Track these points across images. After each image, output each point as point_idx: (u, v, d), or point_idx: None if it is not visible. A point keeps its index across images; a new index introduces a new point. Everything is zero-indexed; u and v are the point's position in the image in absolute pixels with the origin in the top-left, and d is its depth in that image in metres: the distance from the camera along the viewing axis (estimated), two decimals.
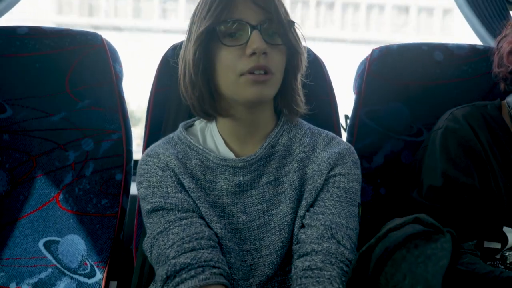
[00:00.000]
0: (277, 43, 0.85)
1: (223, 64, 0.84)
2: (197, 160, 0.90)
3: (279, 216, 0.89)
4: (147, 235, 0.85)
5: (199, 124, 0.97)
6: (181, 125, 0.98)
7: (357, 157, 0.95)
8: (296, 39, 0.88)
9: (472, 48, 1.27)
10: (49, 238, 1.13)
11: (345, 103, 1.34)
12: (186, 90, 0.91)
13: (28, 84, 1.18)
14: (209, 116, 0.92)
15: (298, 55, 0.90)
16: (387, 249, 0.77)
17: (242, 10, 0.83)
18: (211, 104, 0.89)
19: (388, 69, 1.24)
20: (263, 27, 0.83)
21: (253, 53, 0.81)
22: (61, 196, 1.16)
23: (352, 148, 0.96)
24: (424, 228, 0.78)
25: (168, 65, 1.16)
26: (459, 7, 1.50)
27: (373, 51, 1.25)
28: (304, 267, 0.81)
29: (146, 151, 0.94)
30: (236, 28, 0.83)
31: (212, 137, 0.93)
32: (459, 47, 1.26)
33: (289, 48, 0.88)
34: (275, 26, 0.84)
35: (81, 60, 1.17)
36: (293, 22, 0.87)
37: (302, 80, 0.94)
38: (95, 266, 1.12)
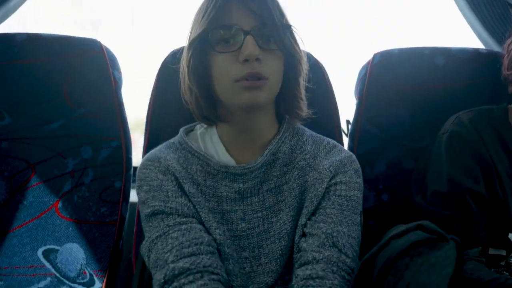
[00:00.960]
0: (271, 48, 0.84)
1: (218, 70, 0.84)
2: (198, 166, 0.90)
3: (278, 224, 0.88)
4: (146, 238, 0.85)
5: (199, 129, 0.96)
6: (181, 130, 0.97)
7: (358, 165, 0.94)
8: (293, 43, 0.86)
9: (475, 51, 1.26)
10: (48, 246, 1.12)
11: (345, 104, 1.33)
12: (185, 96, 0.91)
13: (26, 91, 1.17)
14: (209, 121, 0.92)
15: (296, 59, 0.88)
16: (390, 257, 0.76)
17: (236, 15, 0.82)
18: (209, 110, 0.89)
19: (389, 74, 1.23)
20: (256, 32, 0.81)
21: (246, 60, 0.80)
22: (60, 204, 1.15)
23: (354, 156, 0.95)
24: (427, 235, 0.77)
25: (168, 71, 1.15)
26: (461, 10, 1.49)
27: (375, 55, 1.24)
28: (305, 276, 0.79)
29: (147, 155, 0.93)
30: (230, 34, 0.82)
31: (212, 143, 0.93)
32: (462, 51, 1.25)
33: (286, 53, 0.86)
34: (269, 31, 0.83)
35: (79, 66, 1.17)
36: (289, 26, 0.86)
37: (304, 84, 0.93)
38: (94, 275, 1.11)
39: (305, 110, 0.93)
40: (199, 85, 0.87)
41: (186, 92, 0.90)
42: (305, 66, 0.92)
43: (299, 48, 0.88)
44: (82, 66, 1.17)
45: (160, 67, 1.17)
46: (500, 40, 1.38)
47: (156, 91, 1.16)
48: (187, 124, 1.00)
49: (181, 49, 1.14)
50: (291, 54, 0.87)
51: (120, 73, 1.21)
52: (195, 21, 0.88)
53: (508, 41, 1.12)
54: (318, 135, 0.99)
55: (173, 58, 1.16)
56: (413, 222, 0.83)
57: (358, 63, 1.30)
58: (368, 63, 1.25)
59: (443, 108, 1.21)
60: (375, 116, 1.24)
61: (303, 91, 0.92)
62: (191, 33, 0.88)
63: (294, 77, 0.90)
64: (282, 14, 0.85)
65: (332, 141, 0.97)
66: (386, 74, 1.23)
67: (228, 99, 0.85)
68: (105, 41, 1.22)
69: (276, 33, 0.83)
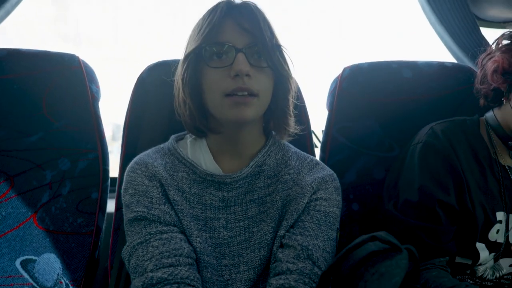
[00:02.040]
0: (261, 65, 0.87)
1: (209, 85, 0.87)
2: (184, 173, 0.93)
3: (259, 234, 0.91)
4: (127, 243, 0.87)
5: (189, 137, 1.00)
6: (172, 136, 1.01)
7: (339, 184, 0.98)
8: (282, 62, 0.90)
9: (441, 65, 1.30)
10: (26, 257, 1.14)
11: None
12: (179, 108, 0.95)
13: (6, 105, 1.19)
14: (200, 133, 0.96)
15: (285, 77, 0.92)
16: (348, 268, 0.79)
17: (229, 33, 0.86)
18: (201, 122, 0.92)
19: (359, 87, 1.27)
20: (248, 50, 0.86)
21: (237, 75, 0.84)
22: (38, 215, 1.17)
23: (335, 175, 0.99)
24: (383, 245, 0.80)
25: (144, 85, 1.18)
26: (432, 25, 1.53)
27: (344, 69, 1.28)
28: (278, 285, 0.83)
29: (135, 159, 0.96)
30: (222, 50, 0.86)
31: (201, 151, 0.96)
32: (428, 65, 1.29)
33: (275, 71, 0.90)
34: (260, 49, 0.87)
35: (57, 81, 1.19)
36: (279, 46, 0.90)
37: (293, 102, 0.96)
38: (70, 285, 1.13)
39: (292, 126, 0.97)
40: (192, 97, 0.90)
41: (180, 104, 0.94)
42: (294, 85, 0.96)
43: (288, 67, 0.92)
44: (61, 81, 1.20)
45: (136, 82, 1.20)
46: (469, 53, 1.42)
47: (133, 104, 1.19)
48: (163, 136, 1.03)
49: (158, 63, 1.19)
50: (280, 72, 0.90)
51: (98, 87, 1.24)
52: (190, 37, 0.92)
53: (483, 55, 1.16)
54: (302, 152, 1.03)
55: (150, 72, 1.19)
56: (381, 230, 0.87)
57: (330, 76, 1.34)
58: (338, 76, 1.29)
59: (412, 119, 1.26)
60: (345, 127, 1.28)
61: (291, 108, 0.96)
62: (186, 48, 0.92)
63: (283, 94, 0.94)
64: (273, 34, 0.89)
65: (315, 159, 1.02)
66: (355, 87, 1.27)
67: (218, 113, 0.88)
68: (85, 55, 1.25)
69: (266, 52, 0.87)
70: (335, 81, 1.29)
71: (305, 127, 1.22)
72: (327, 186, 0.95)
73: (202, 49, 0.87)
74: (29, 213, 1.17)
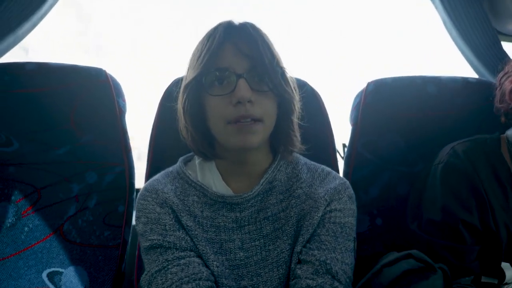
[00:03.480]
0: (263, 89, 0.86)
1: (212, 112, 0.87)
2: (195, 197, 0.92)
3: (276, 252, 0.91)
4: (145, 272, 0.87)
5: (198, 158, 0.99)
6: (180, 159, 1.00)
7: (352, 192, 0.97)
8: (283, 84, 0.88)
9: (465, 81, 1.30)
10: (52, 269, 1.15)
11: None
12: (182, 133, 0.95)
13: (34, 118, 1.21)
14: (207, 157, 0.95)
15: (288, 100, 0.91)
16: (382, 285, 0.80)
17: (229, 59, 0.85)
18: (206, 148, 0.92)
19: (383, 102, 1.27)
20: (249, 74, 0.84)
21: (239, 102, 0.83)
22: (65, 228, 1.18)
23: (348, 183, 0.97)
24: (417, 263, 0.80)
25: (171, 98, 1.19)
26: (453, 39, 1.53)
27: (368, 84, 1.29)
28: None
29: (145, 185, 0.95)
30: (223, 77, 0.85)
31: (210, 172, 0.95)
32: (452, 80, 1.29)
33: (277, 94, 0.89)
34: (261, 73, 0.86)
35: (85, 95, 1.21)
36: (281, 68, 0.89)
37: (298, 122, 0.95)
38: None
39: (298, 145, 0.96)
40: (194, 125, 0.90)
41: (182, 130, 0.94)
42: (297, 105, 0.94)
43: (290, 89, 0.91)
44: (88, 94, 1.21)
45: (163, 95, 1.21)
46: (491, 68, 1.43)
47: (159, 118, 1.21)
48: (189, 151, 1.03)
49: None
50: (282, 95, 0.89)
51: (124, 101, 1.26)
52: (190, 63, 0.91)
53: (501, 74, 1.16)
54: (312, 162, 1.02)
55: (176, 86, 1.20)
56: (407, 248, 0.87)
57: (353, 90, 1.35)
58: (362, 91, 1.29)
59: (436, 135, 1.26)
60: (369, 142, 1.28)
61: (296, 128, 0.95)
62: (186, 75, 0.91)
63: (287, 116, 0.93)
64: (273, 56, 0.87)
65: (327, 168, 1.00)
66: (379, 102, 1.27)
67: (223, 140, 0.88)
68: (107, 66, 1.26)
69: (267, 75, 0.86)
70: (359, 95, 1.30)
71: (329, 140, 1.23)
72: (340, 196, 0.93)
73: (203, 76, 0.86)
74: (56, 226, 1.18)
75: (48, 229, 1.18)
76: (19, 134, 1.21)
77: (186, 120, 0.90)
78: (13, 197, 1.19)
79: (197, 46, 0.90)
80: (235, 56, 0.85)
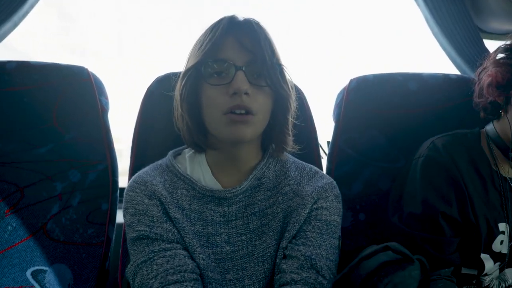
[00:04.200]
0: (260, 84, 0.87)
1: (208, 101, 0.88)
2: (184, 190, 0.93)
3: (262, 247, 0.92)
4: (131, 262, 0.88)
5: (187, 152, 1.00)
6: (170, 152, 1.01)
7: (338, 191, 0.98)
8: (281, 82, 0.89)
9: (445, 77, 1.32)
10: (36, 267, 1.15)
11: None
12: (178, 122, 0.95)
13: (16, 117, 1.21)
14: (198, 148, 0.96)
15: (285, 97, 0.92)
16: (360, 277, 0.81)
17: (230, 51, 0.87)
18: (199, 138, 0.93)
19: (365, 98, 1.29)
20: (247, 68, 0.86)
21: (235, 93, 0.84)
22: (48, 226, 1.18)
23: (334, 182, 0.99)
24: (395, 255, 0.82)
25: (153, 97, 1.20)
26: (435, 36, 1.55)
27: (351, 81, 1.30)
28: None
29: (134, 177, 0.96)
30: (222, 68, 0.86)
31: (200, 166, 0.96)
32: (433, 77, 1.31)
33: (274, 90, 0.90)
34: (260, 68, 0.87)
35: (67, 93, 1.21)
36: (280, 65, 0.90)
37: (292, 121, 0.96)
38: None
39: (290, 144, 0.97)
40: (190, 114, 0.91)
41: (178, 119, 0.95)
42: (293, 104, 0.95)
43: (287, 86, 0.92)
44: (70, 93, 1.21)
45: (145, 94, 1.21)
46: (472, 65, 1.44)
47: (142, 116, 1.21)
48: (172, 148, 1.04)
49: (166, 75, 1.20)
50: (279, 92, 0.90)
51: (106, 98, 1.25)
52: (191, 52, 0.92)
53: (479, 69, 1.17)
54: (301, 161, 1.04)
55: (158, 85, 1.21)
56: (389, 242, 0.88)
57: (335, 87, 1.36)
58: (344, 88, 1.31)
59: (417, 131, 1.28)
60: (351, 138, 1.29)
61: (290, 127, 0.96)
62: (187, 63, 0.93)
63: (282, 113, 0.94)
64: (273, 53, 0.88)
65: (314, 168, 1.02)
66: (362, 99, 1.29)
67: (216, 131, 0.89)
68: (91, 66, 1.26)
69: (266, 71, 0.87)
70: (342, 92, 1.31)
71: (312, 138, 1.24)
72: (327, 195, 0.95)
73: (202, 65, 0.87)
74: (39, 224, 1.18)
75: (32, 227, 1.18)
76: (1, 133, 1.21)
77: (183, 108, 0.91)
78: None
79: (200, 37, 0.92)
80: (236, 49, 0.87)
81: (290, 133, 0.97)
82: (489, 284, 1.10)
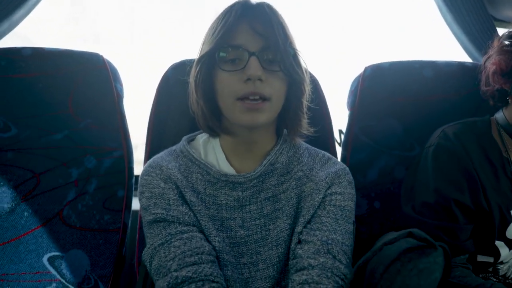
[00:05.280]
0: (274, 69, 0.87)
1: (222, 87, 0.88)
2: (198, 174, 0.94)
3: (276, 231, 0.92)
4: (148, 245, 0.88)
5: (201, 137, 1.00)
6: (184, 138, 1.01)
7: (351, 177, 0.99)
8: (295, 66, 0.89)
9: (460, 65, 1.31)
10: (53, 253, 1.16)
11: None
12: (193, 107, 0.96)
13: (32, 103, 1.21)
14: (213, 132, 0.96)
15: (298, 81, 0.92)
16: (382, 263, 0.81)
17: (243, 37, 0.86)
18: (214, 122, 0.93)
19: (380, 86, 1.28)
20: (261, 53, 0.86)
21: (249, 79, 0.84)
22: (64, 212, 1.18)
23: (347, 168, 0.99)
24: (418, 242, 0.82)
25: (168, 84, 1.20)
26: (448, 25, 1.54)
27: (366, 68, 1.30)
28: (301, 281, 0.84)
29: (149, 162, 0.96)
30: (236, 54, 0.86)
31: (214, 151, 0.97)
32: (448, 64, 1.31)
33: (288, 75, 0.90)
34: (273, 53, 0.87)
35: (83, 80, 1.21)
36: (293, 49, 0.89)
37: (306, 104, 0.96)
38: (99, 281, 1.14)
39: (305, 127, 0.97)
40: (205, 99, 0.91)
41: (193, 103, 0.95)
42: (308, 88, 0.95)
43: (301, 71, 0.91)
44: (86, 79, 1.21)
45: (161, 80, 1.21)
46: (485, 53, 1.44)
47: (157, 103, 1.21)
48: (187, 134, 1.04)
49: (182, 62, 1.20)
50: (293, 76, 0.90)
51: (121, 85, 1.25)
52: (205, 38, 0.92)
53: (485, 57, 1.17)
54: (314, 148, 1.04)
55: (174, 71, 1.20)
56: (401, 228, 0.88)
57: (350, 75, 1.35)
58: (359, 75, 1.30)
59: (432, 118, 1.27)
60: (367, 126, 1.29)
61: (305, 110, 0.96)
62: (200, 49, 0.93)
63: (297, 97, 0.93)
64: (286, 38, 0.88)
65: (327, 154, 1.02)
66: (377, 87, 1.28)
67: (231, 116, 0.89)
68: (106, 53, 1.26)
69: (279, 56, 0.87)
70: (357, 80, 1.30)
71: (327, 125, 1.23)
72: (340, 180, 0.96)
73: (216, 52, 0.87)
74: (56, 210, 1.18)
75: (48, 214, 1.18)
76: (17, 120, 1.21)
77: (198, 94, 0.91)
78: (12, 183, 1.19)
79: (213, 22, 0.91)
80: (249, 34, 0.87)
81: (305, 115, 0.97)
82: (506, 273, 1.11)
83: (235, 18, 0.87)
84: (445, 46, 1.72)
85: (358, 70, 1.32)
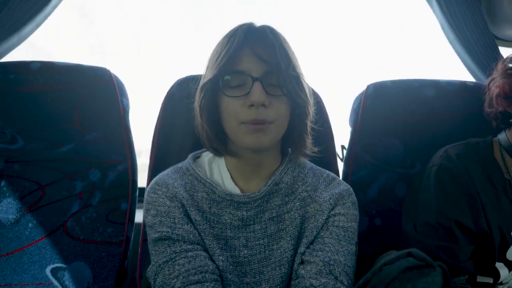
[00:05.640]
0: (277, 94, 0.88)
1: (226, 112, 0.89)
2: (204, 193, 0.95)
3: (279, 251, 0.93)
4: (152, 263, 0.89)
5: (207, 156, 1.01)
6: (190, 156, 1.02)
7: (355, 198, 0.99)
8: (297, 90, 0.90)
9: (462, 84, 1.32)
10: (56, 265, 1.17)
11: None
12: (198, 129, 0.97)
13: (39, 116, 1.23)
14: (219, 153, 0.97)
15: (302, 105, 0.92)
16: (382, 281, 0.82)
17: (246, 62, 0.87)
18: (219, 145, 0.94)
19: (382, 104, 1.30)
20: (264, 79, 0.86)
21: (253, 105, 0.85)
22: (68, 224, 1.20)
23: (351, 189, 1.00)
24: (417, 261, 0.82)
25: (173, 100, 1.21)
26: (451, 43, 1.55)
27: (368, 87, 1.31)
28: None
29: (155, 179, 0.97)
30: (239, 79, 0.87)
31: (219, 170, 0.98)
32: (450, 84, 1.32)
33: (291, 99, 0.90)
34: (276, 78, 0.88)
35: (89, 94, 1.23)
36: (296, 73, 0.90)
37: (310, 125, 0.97)
38: None
39: (309, 147, 0.98)
40: (209, 123, 0.92)
41: (198, 126, 0.96)
42: (312, 109, 0.96)
43: (304, 94, 0.92)
44: (92, 94, 1.23)
45: (166, 96, 1.23)
46: (488, 73, 1.44)
47: (162, 118, 1.22)
48: (191, 150, 1.06)
49: (187, 78, 1.22)
50: (296, 101, 0.90)
51: (127, 100, 1.27)
52: (208, 63, 0.93)
53: (489, 79, 1.18)
54: (318, 167, 1.05)
55: (179, 87, 1.22)
56: (405, 248, 0.89)
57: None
58: (362, 93, 1.32)
59: (434, 137, 1.29)
60: (368, 144, 1.30)
61: (309, 131, 0.97)
62: (204, 75, 0.94)
63: (300, 119, 0.94)
64: (289, 62, 0.88)
65: (332, 174, 1.03)
66: (379, 105, 1.30)
67: (236, 139, 0.90)
68: (111, 66, 1.28)
69: (282, 81, 0.87)
70: (359, 98, 1.32)
71: (329, 145, 1.24)
72: (344, 201, 0.96)
73: (220, 78, 0.88)
74: (60, 222, 1.20)
75: (52, 225, 1.20)
76: (24, 132, 1.23)
77: (202, 118, 0.92)
78: (18, 194, 1.20)
79: (216, 46, 0.92)
80: (252, 60, 0.87)
81: (309, 136, 0.97)
82: None
83: (238, 44, 0.87)
84: (448, 64, 1.72)
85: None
